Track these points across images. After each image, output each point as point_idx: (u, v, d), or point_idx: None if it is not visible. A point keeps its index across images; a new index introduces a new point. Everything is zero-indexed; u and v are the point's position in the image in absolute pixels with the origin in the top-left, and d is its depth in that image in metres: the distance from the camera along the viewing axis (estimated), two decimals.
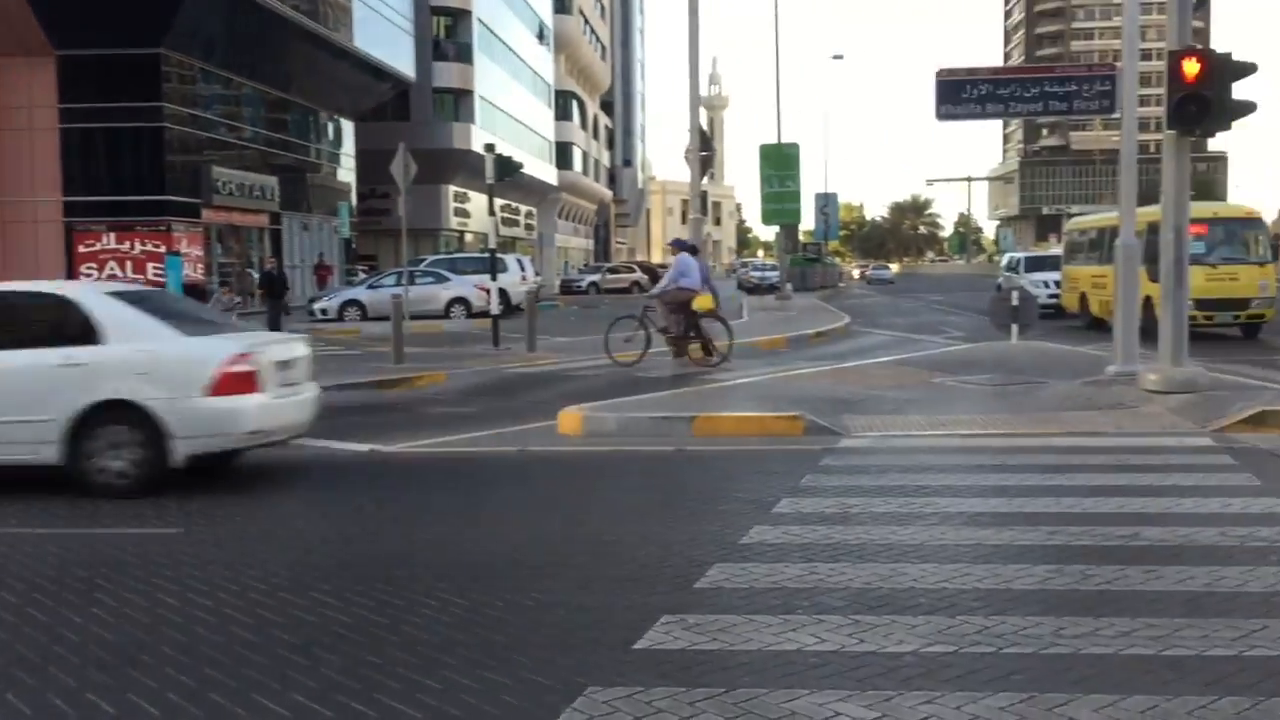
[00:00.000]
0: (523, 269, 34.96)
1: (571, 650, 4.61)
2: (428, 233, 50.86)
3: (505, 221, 58.47)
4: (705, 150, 22.30)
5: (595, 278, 56.34)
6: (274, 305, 23.97)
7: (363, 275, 39.30)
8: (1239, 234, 21.43)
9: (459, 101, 53.88)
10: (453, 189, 53.46)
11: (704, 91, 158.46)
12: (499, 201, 41.81)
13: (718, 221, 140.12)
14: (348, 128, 48.27)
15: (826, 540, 6.27)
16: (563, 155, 74.19)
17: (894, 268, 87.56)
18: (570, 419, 10.94)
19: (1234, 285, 20.40)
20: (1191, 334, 12.87)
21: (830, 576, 5.54)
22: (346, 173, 48.40)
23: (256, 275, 35.36)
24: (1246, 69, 11.42)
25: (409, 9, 49.04)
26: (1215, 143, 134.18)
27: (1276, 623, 4.69)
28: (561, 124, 74.42)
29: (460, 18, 54.10)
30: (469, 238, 56.62)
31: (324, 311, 30.77)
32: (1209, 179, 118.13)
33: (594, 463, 9.47)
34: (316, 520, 7.48)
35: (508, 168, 22.08)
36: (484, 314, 25.15)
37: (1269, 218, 48.66)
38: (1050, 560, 5.75)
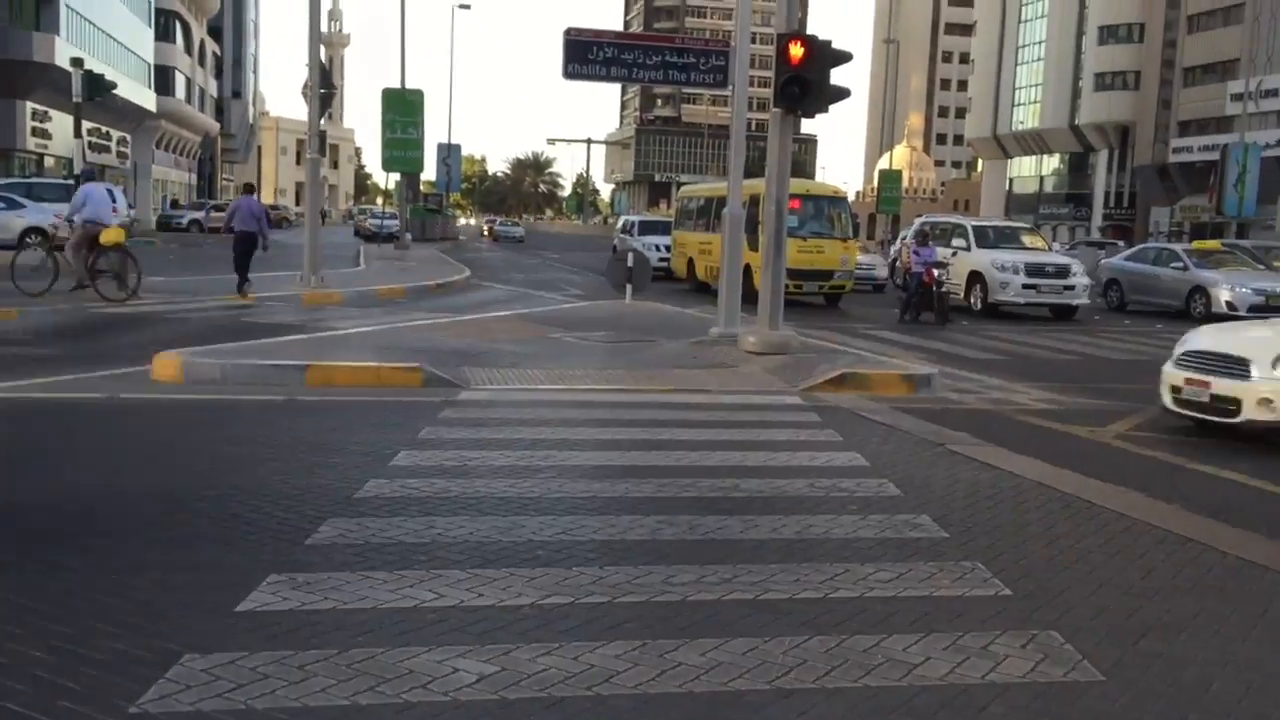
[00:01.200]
0: (114, 200, 31.82)
1: (165, 616, 4.21)
2: None
3: (94, 147, 53.07)
4: (325, 88, 21.30)
5: (198, 215, 52.58)
6: None
7: None
8: (826, 210, 23.53)
9: (40, 8, 48.09)
10: (31, 106, 47.73)
11: (324, 27, 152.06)
12: (87, 124, 37.75)
13: (335, 165, 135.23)
14: None
15: (445, 494, 6.17)
16: (163, 80, 68.29)
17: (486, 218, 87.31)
18: (167, 364, 10.09)
19: (821, 257, 22.38)
20: (784, 301, 13.93)
21: (449, 530, 5.44)
22: None
23: None
24: (844, 56, 12.43)
25: None
26: (806, 126, 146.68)
27: (856, 566, 5.14)
28: (162, 45, 68.43)
29: None
30: (49, 162, 50.86)
31: None
32: (800, 159, 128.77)
33: (195, 411, 8.78)
34: None
35: (98, 86, 20.00)
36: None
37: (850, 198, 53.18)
38: (660, 512, 5.97)
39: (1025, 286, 21.59)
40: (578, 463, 7.14)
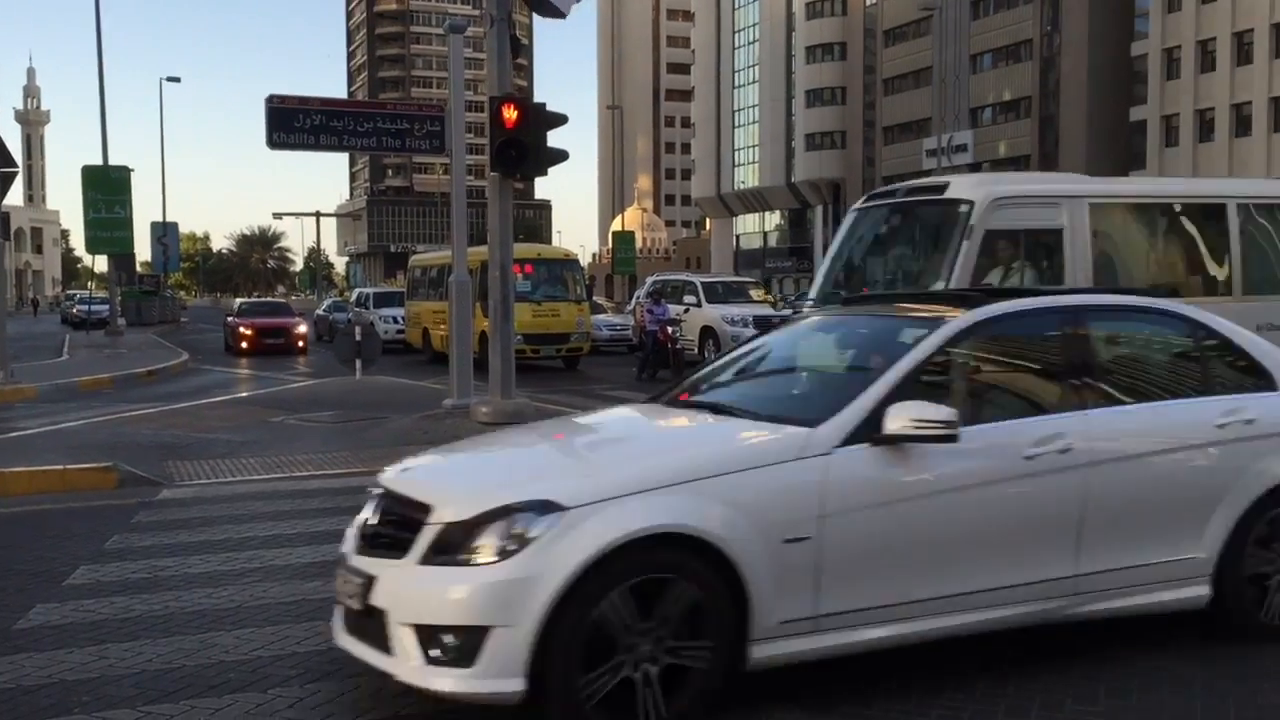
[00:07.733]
0: None
1: None
2: None
3: None
4: (4, 166, 19.45)
5: None
6: None
7: None
8: (560, 274, 23.49)
9: None
10: None
11: (19, 104, 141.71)
12: None
13: (39, 249, 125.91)
14: None
15: (127, 614, 5.40)
16: None
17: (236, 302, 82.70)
18: None
19: (557, 321, 22.28)
20: (520, 366, 13.62)
21: (123, 660, 4.71)
22: None
23: None
24: (559, 119, 12.31)
25: None
26: (540, 191, 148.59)
27: None
28: None
29: None
30: None
31: None
32: (535, 223, 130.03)
33: None
34: None
35: None
36: None
37: (584, 261, 53.98)
38: None
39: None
40: (288, 561, 6.49)
